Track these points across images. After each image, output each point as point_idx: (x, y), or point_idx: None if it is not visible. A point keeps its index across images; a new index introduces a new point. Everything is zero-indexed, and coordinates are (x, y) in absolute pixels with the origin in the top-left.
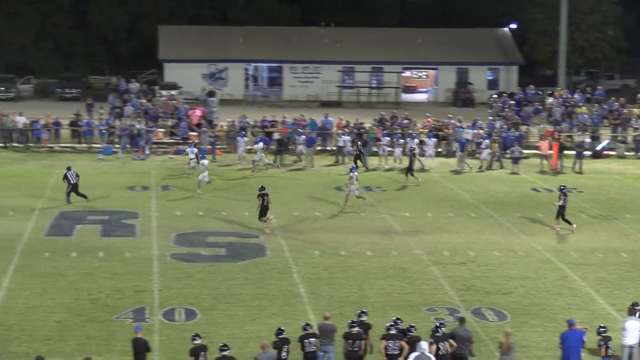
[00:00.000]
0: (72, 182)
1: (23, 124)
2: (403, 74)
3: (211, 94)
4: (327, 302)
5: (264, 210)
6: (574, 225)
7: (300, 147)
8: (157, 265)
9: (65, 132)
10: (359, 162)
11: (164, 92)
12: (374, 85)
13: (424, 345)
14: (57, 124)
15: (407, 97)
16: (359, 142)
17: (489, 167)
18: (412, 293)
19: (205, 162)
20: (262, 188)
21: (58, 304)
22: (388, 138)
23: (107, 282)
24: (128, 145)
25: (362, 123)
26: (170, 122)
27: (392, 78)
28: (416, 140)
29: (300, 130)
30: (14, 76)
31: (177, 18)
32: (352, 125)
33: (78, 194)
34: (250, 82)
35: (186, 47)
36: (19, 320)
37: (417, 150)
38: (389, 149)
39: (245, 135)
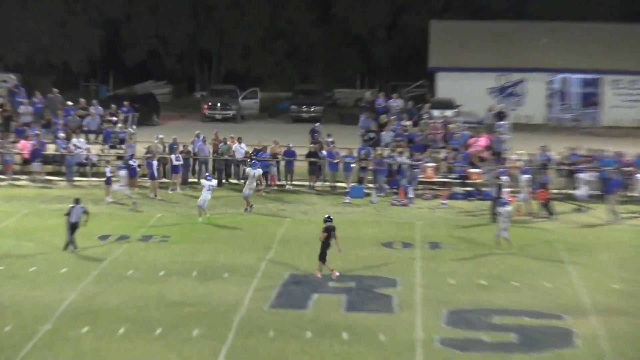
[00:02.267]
0: (71, 220)
1: (244, 154)
2: None
3: (501, 115)
4: None
5: (325, 250)
6: None
7: (581, 192)
8: (421, 353)
9: (300, 166)
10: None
11: (436, 113)
12: None
13: None
14: (290, 153)
15: None
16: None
17: None
18: None
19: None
20: (329, 219)
21: None
22: None
23: None
24: (385, 185)
25: None
26: (442, 154)
27: None
28: None
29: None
30: (235, 88)
31: (454, 11)
32: None
33: (69, 236)
34: (556, 99)
35: (466, 51)
36: None
37: None
38: None
39: (529, 173)
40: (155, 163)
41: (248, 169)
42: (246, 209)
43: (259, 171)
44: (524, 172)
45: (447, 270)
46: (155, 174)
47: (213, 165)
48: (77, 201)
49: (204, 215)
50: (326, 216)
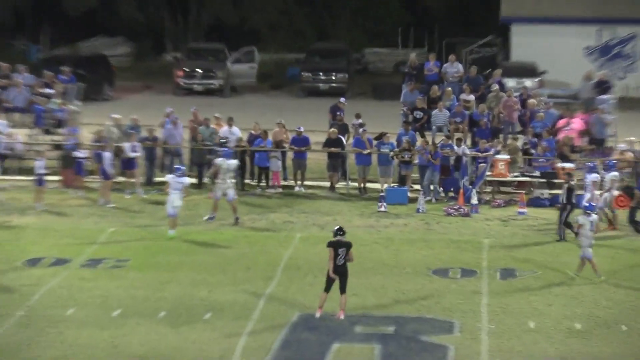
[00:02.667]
0: None
1: (236, 141)
2: None
3: (603, 86)
4: None
5: (338, 273)
6: None
7: None
8: None
9: (316, 159)
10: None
11: (510, 83)
12: None
13: None
14: (302, 141)
15: None
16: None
17: None
18: None
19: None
20: (340, 231)
21: None
22: None
23: None
24: (438, 187)
25: None
26: (519, 141)
27: None
28: None
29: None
30: (223, 47)
31: None
32: None
33: None
34: None
35: None
36: None
37: None
38: None
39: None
40: (108, 155)
41: (219, 160)
42: (211, 218)
43: (234, 162)
44: (610, 167)
45: (526, 309)
46: (110, 170)
47: (190, 157)
48: None
49: (173, 229)
50: (336, 228)
